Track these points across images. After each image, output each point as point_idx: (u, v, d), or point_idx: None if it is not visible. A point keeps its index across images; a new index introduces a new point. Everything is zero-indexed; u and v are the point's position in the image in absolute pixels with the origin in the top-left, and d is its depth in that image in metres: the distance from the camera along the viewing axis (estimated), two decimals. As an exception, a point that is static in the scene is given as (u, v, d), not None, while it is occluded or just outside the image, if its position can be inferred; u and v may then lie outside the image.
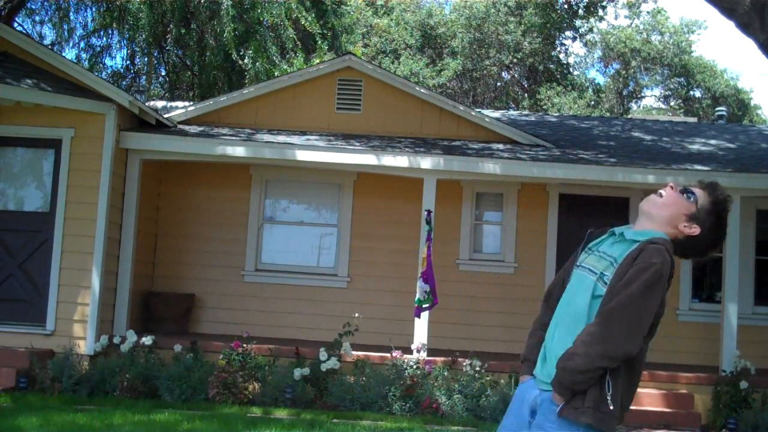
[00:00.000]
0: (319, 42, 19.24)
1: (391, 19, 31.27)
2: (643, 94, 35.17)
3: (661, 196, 2.92)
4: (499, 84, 32.18)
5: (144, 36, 18.25)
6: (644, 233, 2.86)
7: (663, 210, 2.89)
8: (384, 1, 31.72)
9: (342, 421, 8.10)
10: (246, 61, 17.90)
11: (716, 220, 2.90)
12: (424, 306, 9.51)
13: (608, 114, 31.49)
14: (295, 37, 18.76)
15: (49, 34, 21.27)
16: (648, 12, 32.43)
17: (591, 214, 11.55)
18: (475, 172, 10.23)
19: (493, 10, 29.68)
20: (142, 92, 16.88)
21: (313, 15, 19.18)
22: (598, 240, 2.98)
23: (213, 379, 8.80)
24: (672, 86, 34.17)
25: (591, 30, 30.84)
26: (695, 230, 2.87)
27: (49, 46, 17.60)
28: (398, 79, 11.99)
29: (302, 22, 18.51)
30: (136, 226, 10.27)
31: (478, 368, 9.08)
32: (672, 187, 2.93)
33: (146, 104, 11.30)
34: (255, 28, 18.07)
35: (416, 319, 9.83)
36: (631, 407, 10.01)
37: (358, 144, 10.63)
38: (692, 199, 2.89)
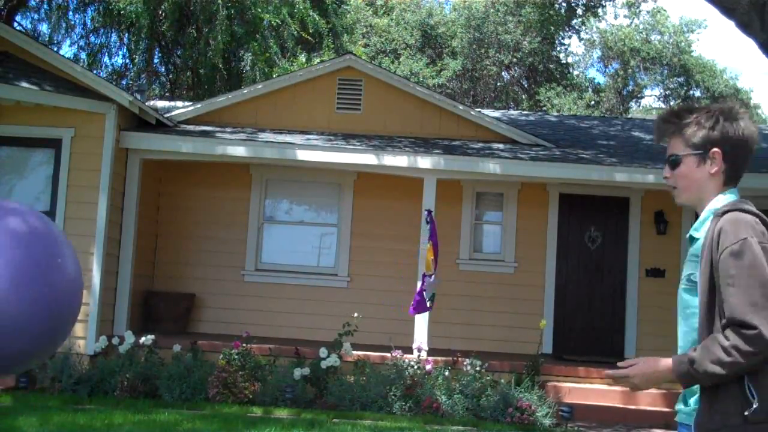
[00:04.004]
0: (326, 41, 19.26)
1: (391, 19, 31.27)
2: (642, 94, 35.17)
3: (674, 187, 2.62)
4: (499, 84, 32.17)
5: (142, 35, 18.24)
6: (701, 222, 2.53)
7: (690, 187, 2.56)
8: (384, 1, 31.71)
9: (342, 420, 8.09)
10: (243, 63, 17.89)
11: (716, 122, 2.51)
12: (429, 304, 9.52)
13: (608, 114, 31.49)
14: (296, 34, 18.75)
15: (47, 32, 21.26)
16: (648, 11, 32.43)
17: (591, 214, 11.55)
18: (476, 171, 10.24)
19: (492, 10, 29.67)
20: (142, 92, 16.83)
21: (317, 14, 19.19)
22: None
23: (213, 378, 8.80)
24: (672, 86, 34.16)
25: (584, 23, 30.77)
26: (717, 154, 2.49)
27: (48, 44, 17.61)
28: (398, 78, 11.99)
29: (309, 23, 18.51)
30: (136, 226, 10.27)
31: (478, 368, 9.08)
32: (667, 173, 2.64)
33: (146, 104, 11.30)
34: (255, 28, 18.06)
35: (416, 316, 9.84)
36: (631, 407, 9.87)
37: (358, 144, 10.63)
38: (687, 155, 2.55)
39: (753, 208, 2.46)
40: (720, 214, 2.44)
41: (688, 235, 2.61)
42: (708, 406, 2.39)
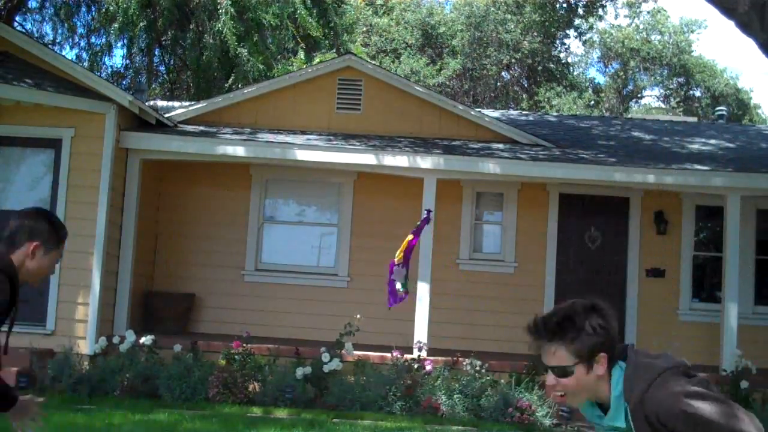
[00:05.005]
0: (326, 46, 19.27)
1: (391, 19, 31.27)
2: (642, 94, 35.17)
3: (562, 394, 2.58)
4: (499, 84, 32.17)
5: (136, 32, 18.23)
6: (616, 411, 2.55)
7: (581, 391, 2.56)
8: (384, 1, 31.70)
9: (342, 420, 8.10)
10: (240, 58, 17.91)
11: (605, 331, 2.53)
12: (402, 292, 9.21)
13: (608, 114, 31.49)
14: (294, 34, 18.75)
15: (48, 33, 21.28)
16: (648, 11, 32.43)
17: (591, 214, 11.55)
18: (475, 171, 10.24)
19: (492, 9, 29.67)
20: (141, 92, 16.82)
21: (315, 15, 19.18)
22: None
23: (213, 378, 8.80)
24: (672, 86, 34.16)
25: (591, 28, 30.82)
26: (603, 358, 2.51)
27: (49, 44, 17.60)
28: (398, 78, 11.99)
29: (308, 28, 18.51)
30: (136, 226, 10.27)
31: (478, 368, 9.07)
32: (552, 391, 2.61)
33: (146, 104, 11.30)
34: (255, 28, 18.06)
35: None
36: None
37: (358, 144, 10.63)
38: (575, 364, 2.53)
39: (642, 369, 2.51)
40: (638, 402, 2.46)
41: (609, 426, 2.60)
42: None
